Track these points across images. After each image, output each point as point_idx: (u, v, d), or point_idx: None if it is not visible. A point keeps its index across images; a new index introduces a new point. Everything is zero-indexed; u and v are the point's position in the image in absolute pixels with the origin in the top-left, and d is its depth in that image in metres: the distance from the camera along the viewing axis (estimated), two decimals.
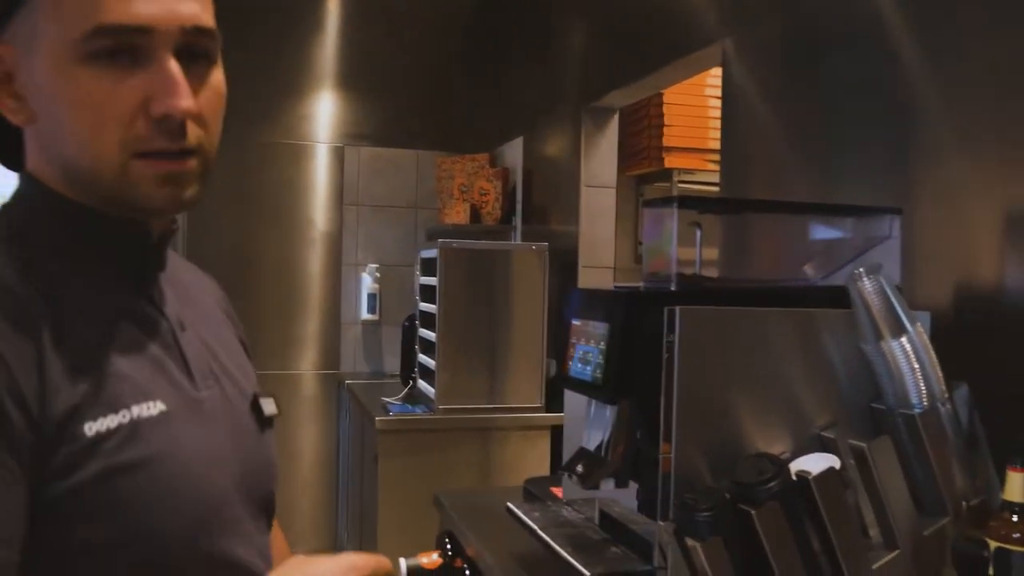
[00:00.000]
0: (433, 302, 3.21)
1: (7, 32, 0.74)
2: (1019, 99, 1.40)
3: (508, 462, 3.19)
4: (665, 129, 3.43)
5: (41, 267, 0.74)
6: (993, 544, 1.21)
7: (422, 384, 3.44)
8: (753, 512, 1.13)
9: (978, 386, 1.32)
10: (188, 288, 0.96)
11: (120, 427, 0.71)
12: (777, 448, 1.27)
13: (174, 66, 0.73)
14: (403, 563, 1.76)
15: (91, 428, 0.70)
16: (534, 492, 1.81)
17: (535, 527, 1.44)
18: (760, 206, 1.46)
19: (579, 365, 1.32)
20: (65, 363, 0.69)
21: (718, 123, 3.54)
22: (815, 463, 1.22)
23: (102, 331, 0.75)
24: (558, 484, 1.90)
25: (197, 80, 0.76)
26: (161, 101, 0.72)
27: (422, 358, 3.45)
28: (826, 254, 1.38)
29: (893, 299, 1.24)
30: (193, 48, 0.76)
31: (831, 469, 1.18)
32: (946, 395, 1.27)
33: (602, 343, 1.25)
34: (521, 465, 3.18)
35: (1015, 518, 1.20)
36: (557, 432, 3.25)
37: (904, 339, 1.24)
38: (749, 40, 2.20)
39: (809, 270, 1.36)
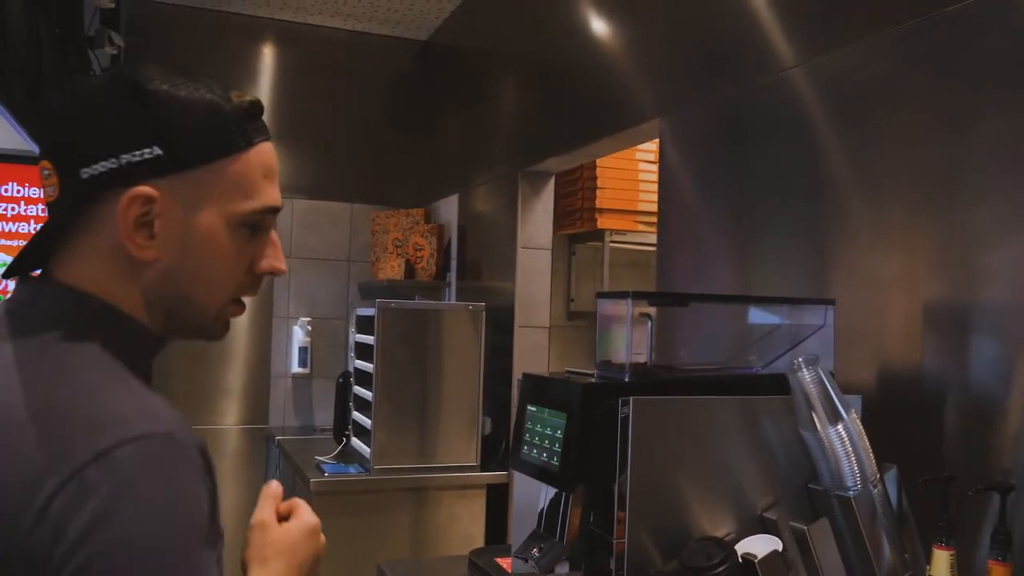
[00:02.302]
0: (369, 360, 3.21)
1: (163, 181, 0.82)
2: (938, 199, 1.53)
3: (444, 523, 3.20)
4: (598, 192, 3.53)
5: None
6: None
7: (356, 442, 3.42)
8: None
9: (904, 465, 1.42)
10: None
11: (219, 552, 0.83)
12: (722, 530, 1.33)
13: (275, 236, 0.93)
14: None
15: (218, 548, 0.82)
16: (480, 564, 1.84)
17: None
18: (706, 298, 1.55)
19: (534, 451, 1.37)
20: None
21: (649, 186, 3.70)
22: (759, 545, 1.29)
23: None
24: (502, 555, 1.93)
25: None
26: (269, 262, 0.92)
27: (357, 416, 3.44)
28: (767, 342, 1.46)
29: (830, 388, 1.32)
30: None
31: (775, 552, 1.25)
32: (877, 476, 1.36)
33: (559, 431, 1.30)
34: (457, 526, 3.19)
35: None
36: (493, 491, 3.28)
37: (840, 426, 1.32)
38: (682, 120, 2.32)
39: (752, 358, 1.44)
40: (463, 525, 3.21)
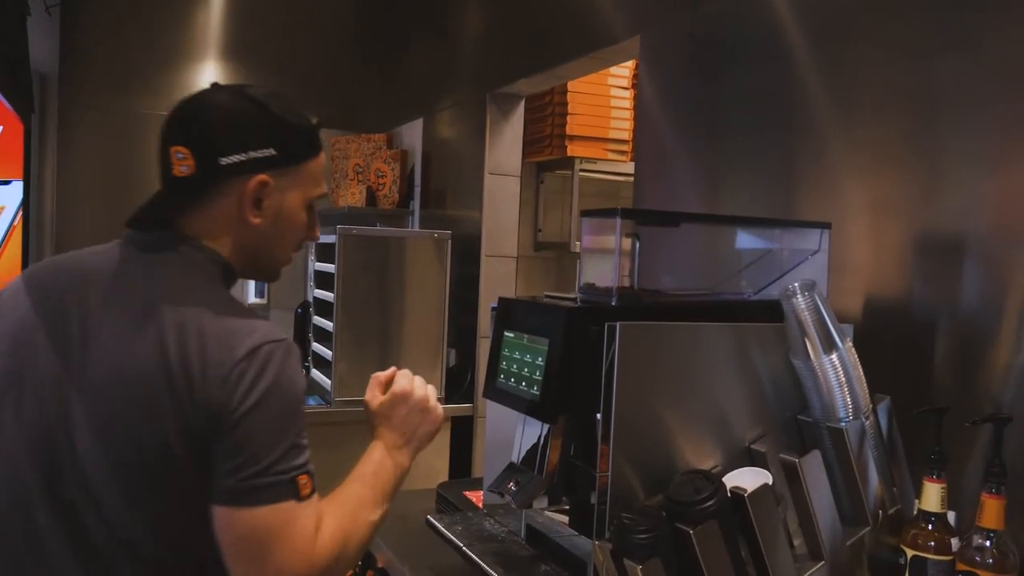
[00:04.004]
0: (330, 289, 3.10)
1: (273, 172, 1.16)
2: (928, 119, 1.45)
3: None
4: (569, 118, 3.41)
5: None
6: (909, 552, 1.26)
7: (316, 374, 3.32)
8: (691, 532, 1.12)
9: (895, 397, 1.36)
10: None
11: None
12: (708, 463, 1.27)
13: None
14: None
15: None
16: (449, 499, 1.77)
17: (460, 544, 1.40)
18: (697, 219, 1.45)
19: (511, 380, 1.28)
20: None
21: (621, 113, 3.58)
22: (747, 478, 1.22)
23: None
24: (470, 488, 1.86)
25: None
26: (317, 231, 1.28)
27: (317, 347, 3.34)
28: (757, 268, 1.39)
29: (825, 315, 1.25)
30: None
31: (764, 485, 1.19)
32: (870, 408, 1.30)
33: (539, 359, 1.22)
34: (420, 459, 3.12)
35: (930, 527, 1.24)
36: (458, 424, 3.22)
37: (835, 355, 1.25)
38: (661, 37, 2.20)
39: (743, 283, 1.37)
40: (427, 458, 3.12)
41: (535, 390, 1.22)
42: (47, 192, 4.14)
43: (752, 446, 1.29)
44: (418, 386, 1.29)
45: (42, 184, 4.13)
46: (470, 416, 3.26)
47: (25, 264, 4.09)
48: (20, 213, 4.10)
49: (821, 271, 1.38)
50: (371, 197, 3.95)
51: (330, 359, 3.09)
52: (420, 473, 3.09)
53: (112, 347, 1.07)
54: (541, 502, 1.29)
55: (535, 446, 1.27)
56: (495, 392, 1.32)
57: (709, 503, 1.14)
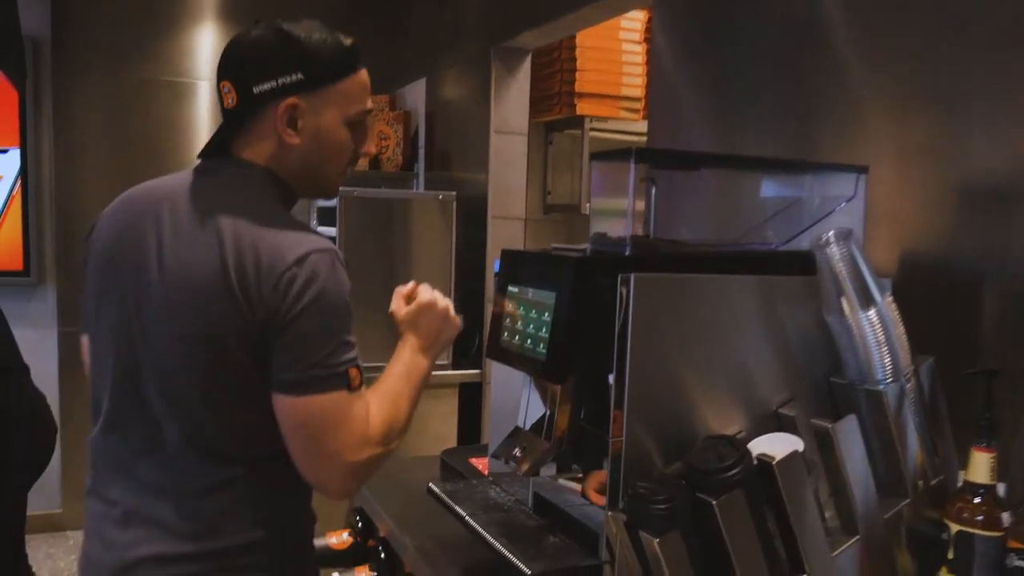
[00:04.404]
0: None
1: (302, 94, 1.24)
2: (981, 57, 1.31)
3: (414, 423, 3.02)
4: (578, 74, 3.27)
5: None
6: (954, 527, 1.15)
7: None
8: (714, 502, 1.02)
9: (938, 357, 1.25)
10: None
11: None
12: (732, 428, 1.16)
13: (368, 125, 1.34)
14: None
15: None
16: (453, 465, 1.67)
17: (463, 514, 1.30)
18: (721, 161, 1.32)
19: (516, 338, 1.17)
20: None
21: (633, 68, 3.44)
22: (775, 445, 1.11)
23: None
24: (476, 455, 1.76)
25: None
26: (368, 146, 1.36)
27: None
28: (785, 217, 1.26)
29: (863, 267, 1.13)
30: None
31: (795, 452, 1.08)
32: (911, 369, 1.18)
33: (546, 314, 1.10)
34: (428, 427, 3.04)
35: (978, 500, 1.13)
36: (465, 390, 3.12)
37: (873, 311, 1.14)
38: None
39: (769, 234, 1.25)
40: (434, 425, 3.06)
41: (541, 349, 1.11)
42: (44, 160, 4.03)
43: (780, 410, 1.18)
44: (440, 297, 1.39)
45: (39, 152, 4.02)
46: (479, 382, 3.16)
47: (26, 232, 4.01)
48: (19, 181, 4.00)
49: (856, 220, 1.26)
50: (374, 160, 3.83)
51: None
52: (427, 441, 3.02)
53: (180, 255, 1.20)
54: (549, 469, 1.19)
55: (542, 410, 1.16)
56: (498, 351, 1.21)
57: (733, 471, 1.03)
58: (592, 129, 3.38)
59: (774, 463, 1.05)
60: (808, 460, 1.11)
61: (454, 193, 3.03)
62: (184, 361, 1.18)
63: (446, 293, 2.99)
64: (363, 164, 3.81)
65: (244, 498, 1.20)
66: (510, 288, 1.20)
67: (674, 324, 1.10)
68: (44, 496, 3.85)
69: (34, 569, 2.68)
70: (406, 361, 1.35)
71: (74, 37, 3.92)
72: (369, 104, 1.32)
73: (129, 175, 4.26)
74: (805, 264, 1.17)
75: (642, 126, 3.30)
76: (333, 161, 1.30)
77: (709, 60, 1.95)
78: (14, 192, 4.01)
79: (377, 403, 1.23)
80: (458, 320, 1.39)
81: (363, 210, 2.95)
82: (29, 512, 2.43)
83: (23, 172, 4.00)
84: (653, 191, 1.14)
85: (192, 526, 1.19)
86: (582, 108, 3.32)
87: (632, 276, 1.04)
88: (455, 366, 3.07)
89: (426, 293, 1.40)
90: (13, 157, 3.98)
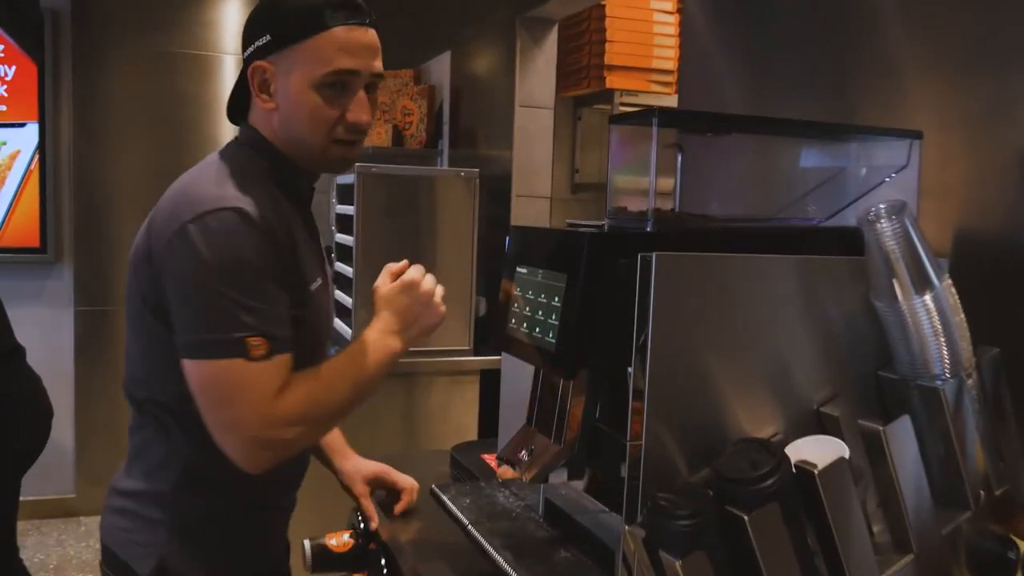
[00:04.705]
0: (350, 233, 2.88)
1: (271, 56, 1.21)
2: None
3: (436, 412, 2.93)
4: (607, 46, 3.13)
5: (274, 195, 1.23)
6: (1022, 544, 1.01)
7: (338, 323, 3.12)
8: (746, 518, 0.89)
9: (1004, 349, 1.10)
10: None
11: (315, 288, 1.27)
12: (767, 430, 1.02)
13: (363, 95, 1.23)
14: (307, 545, 1.49)
15: (312, 286, 1.26)
16: (463, 463, 1.55)
17: (465, 521, 1.18)
18: (756, 124, 1.17)
19: (524, 325, 1.04)
20: (299, 252, 1.22)
21: (665, 40, 3.27)
22: (817, 449, 0.98)
23: (302, 234, 1.27)
24: (489, 450, 1.64)
25: (371, 103, 1.26)
26: (354, 114, 1.23)
27: (339, 295, 3.13)
28: (827, 190, 1.12)
29: (919, 246, 0.99)
30: (372, 85, 1.25)
31: (840, 459, 0.94)
32: (973, 363, 1.04)
33: (556, 299, 0.97)
34: (450, 415, 2.93)
35: None
36: (487, 377, 3.00)
37: (929, 296, 0.99)
38: None
39: (810, 208, 1.10)
40: (456, 414, 2.95)
41: (551, 337, 0.98)
42: (63, 134, 3.98)
43: (822, 409, 1.04)
44: (427, 280, 1.31)
45: (57, 126, 3.97)
46: (500, 370, 3.04)
47: (43, 209, 3.96)
48: (36, 156, 3.95)
49: (909, 192, 1.11)
50: (398, 137, 3.71)
51: (351, 307, 2.89)
52: (448, 430, 2.91)
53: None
54: (560, 474, 1.06)
55: (552, 407, 1.04)
56: (505, 339, 1.09)
57: (769, 481, 0.90)
58: (622, 104, 3.23)
59: (816, 472, 0.92)
60: (855, 468, 0.98)
61: (477, 170, 2.89)
62: (128, 326, 1.26)
63: (467, 275, 2.91)
64: (382, 139, 3.70)
65: (151, 442, 1.25)
66: (518, 269, 1.07)
67: (702, 310, 0.96)
68: (58, 480, 3.79)
69: (44, 555, 2.62)
70: (369, 340, 1.26)
71: (95, 9, 3.85)
72: (349, 64, 1.19)
73: (151, 151, 4.19)
74: (851, 242, 1.03)
75: (674, 100, 3.15)
76: (307, 127, 1.22)
77: (743, 26, 1.80)
78: (32, 167, 3.96)
79: (303, 380, 1.17)
80: (442, 309, 1.31)
81: (381, 188, 2.83)
82: (41, 496, 2.37)
83: (41, 147, 3.95)
84: (679, 159, 1.00)
85: (125, 464, 1.30)
86: (611, 81, 3.18)
87: (654, 255, 0.90)
88: (476, 352, 2.95)
89: (414, 272, 1.32)
90: (31, 131, 3.93)
